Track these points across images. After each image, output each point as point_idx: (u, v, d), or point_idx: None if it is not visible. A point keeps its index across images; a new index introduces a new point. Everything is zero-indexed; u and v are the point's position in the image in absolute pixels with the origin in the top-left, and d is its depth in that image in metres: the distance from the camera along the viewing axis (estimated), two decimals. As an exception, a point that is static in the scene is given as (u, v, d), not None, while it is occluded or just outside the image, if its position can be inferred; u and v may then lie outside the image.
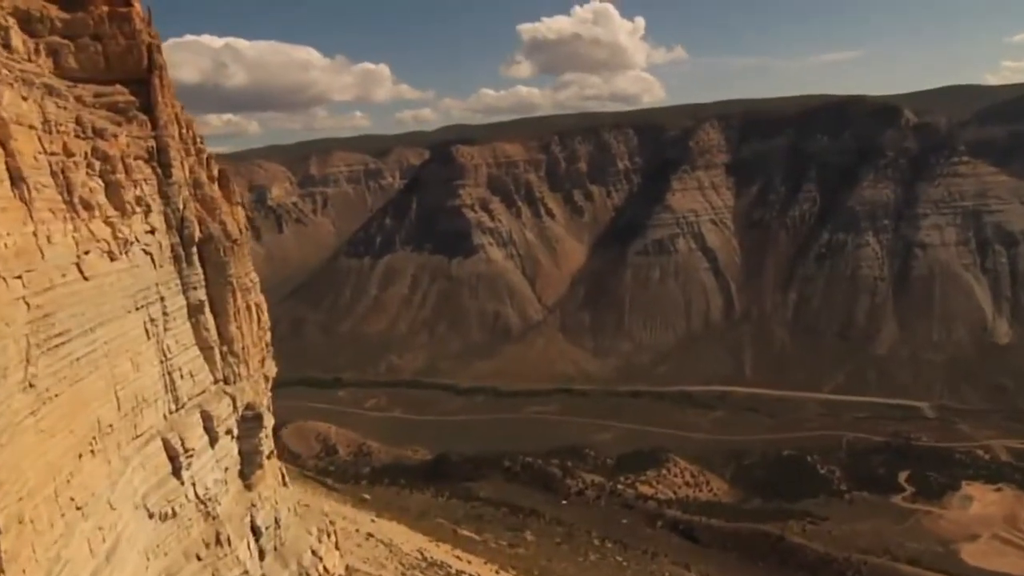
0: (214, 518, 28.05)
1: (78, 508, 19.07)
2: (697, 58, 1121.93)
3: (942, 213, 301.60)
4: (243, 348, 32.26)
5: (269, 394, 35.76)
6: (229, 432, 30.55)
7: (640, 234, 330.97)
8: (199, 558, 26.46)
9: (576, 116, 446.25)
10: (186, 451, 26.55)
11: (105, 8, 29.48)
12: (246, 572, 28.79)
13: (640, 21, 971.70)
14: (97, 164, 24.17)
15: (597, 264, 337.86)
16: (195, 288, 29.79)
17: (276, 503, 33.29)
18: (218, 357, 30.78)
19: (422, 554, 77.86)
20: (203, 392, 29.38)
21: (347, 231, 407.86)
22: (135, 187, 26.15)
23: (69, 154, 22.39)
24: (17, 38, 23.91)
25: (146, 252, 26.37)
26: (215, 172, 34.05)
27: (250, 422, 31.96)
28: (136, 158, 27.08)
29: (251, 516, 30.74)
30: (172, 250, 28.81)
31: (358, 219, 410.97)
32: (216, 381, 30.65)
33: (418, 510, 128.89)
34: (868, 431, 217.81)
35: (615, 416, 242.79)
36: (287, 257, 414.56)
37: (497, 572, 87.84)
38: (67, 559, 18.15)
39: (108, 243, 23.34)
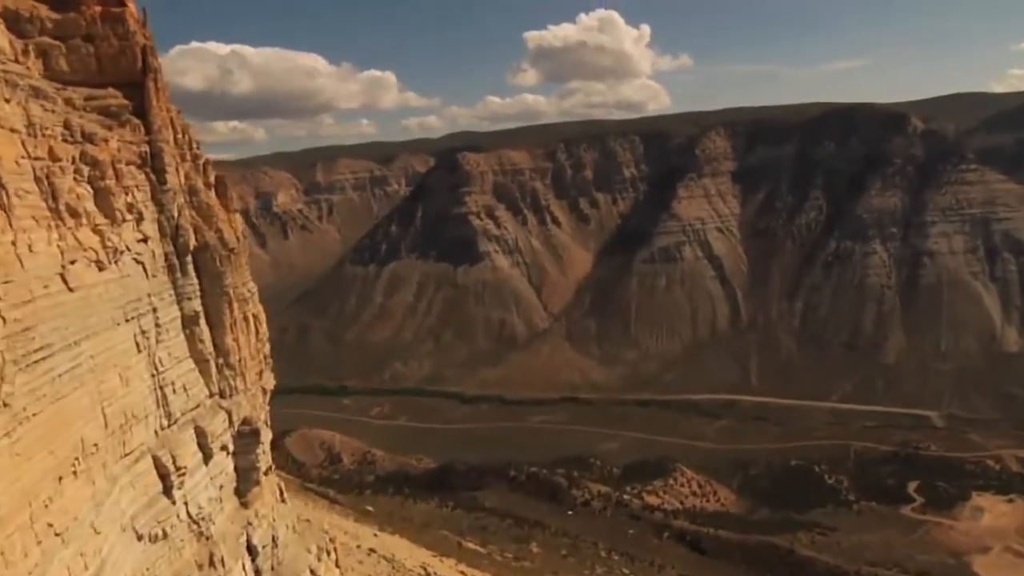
0: (207, 538, 26.98)
1: (57, 534, 18.02)
2: (702, 66, 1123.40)
3: (950, 221, 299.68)
4: (240, 360, 31.26)
5: (267, 408, 34.69)
6: (224, 448, 29.50)
7: (646, 242, 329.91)
8: (191, 581, 25.33)
9: (582, 124, 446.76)
10: (178, 469, 25.51)
11: (98, 8, 28.57)
12: (241, 594, 27.68)
13: (646, 29, 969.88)
14: (86, 169, 23.21)
15: (603, 272, 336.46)
16: (190, 298, 28.84)
17: (274, 521, 32.18)
18: (213, 370, 29.80)
19: (426, 570, 76.39)
20: (197, 407, 28.34)
21: (352, 238, 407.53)
22: (126, 194, 25.17)
23: (55, 159, 21.45)
24: (3, 38, 22.98)
25: (138, 261, 25.37)
26: (212, 178, 33.09)
27: (247, 437, 30.93)
28: (128, 163, 26.13)
29: (247, 535, 29.66)
30: (166, 259, 27.88)
31: (363, 226, 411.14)
32: (211, 395, 29.63)
33: (422, 521, 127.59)
34: (876, 440, 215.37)
35: (621, 425, 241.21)
36: (292, 264, 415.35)
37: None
38: (44, 589, 17.06)
39: (96, 252, 22.36)
